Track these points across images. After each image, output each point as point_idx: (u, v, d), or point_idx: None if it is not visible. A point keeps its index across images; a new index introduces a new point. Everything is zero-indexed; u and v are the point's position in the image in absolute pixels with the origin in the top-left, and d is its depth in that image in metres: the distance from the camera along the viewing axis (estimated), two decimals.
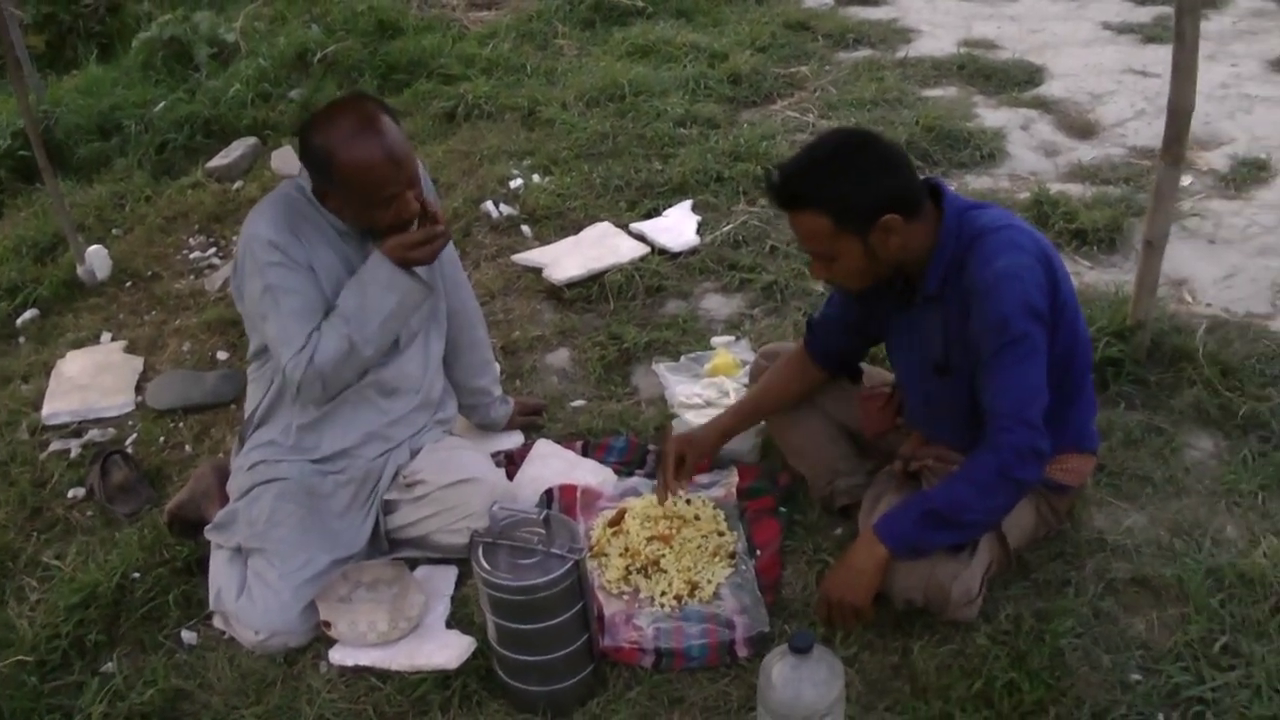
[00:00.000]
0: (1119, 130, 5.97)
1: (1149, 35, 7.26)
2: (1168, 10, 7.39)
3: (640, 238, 5.01)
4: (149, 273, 5.35)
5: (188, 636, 3.21)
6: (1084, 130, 6.02)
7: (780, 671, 2.50)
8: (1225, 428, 3.65)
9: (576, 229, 5.15)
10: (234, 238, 5.50)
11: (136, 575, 3.38)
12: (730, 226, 5.04)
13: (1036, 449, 2.74)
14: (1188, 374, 3.82)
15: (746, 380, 3.81)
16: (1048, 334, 2.77)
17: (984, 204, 2.95)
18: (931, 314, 2.90)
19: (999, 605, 2.99)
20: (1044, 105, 6.30)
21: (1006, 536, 2.97)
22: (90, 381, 4.46)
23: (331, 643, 3.10)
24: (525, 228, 5.25)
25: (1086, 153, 5.72)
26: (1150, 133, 5.72)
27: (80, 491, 3.88)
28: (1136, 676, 2.82)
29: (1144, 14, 7.70)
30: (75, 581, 3.37)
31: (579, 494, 3.50)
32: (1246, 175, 5.31)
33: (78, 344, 4.80)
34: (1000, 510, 2.84)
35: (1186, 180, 5.18)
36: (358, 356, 3.17)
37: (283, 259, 3.08)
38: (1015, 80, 6.63)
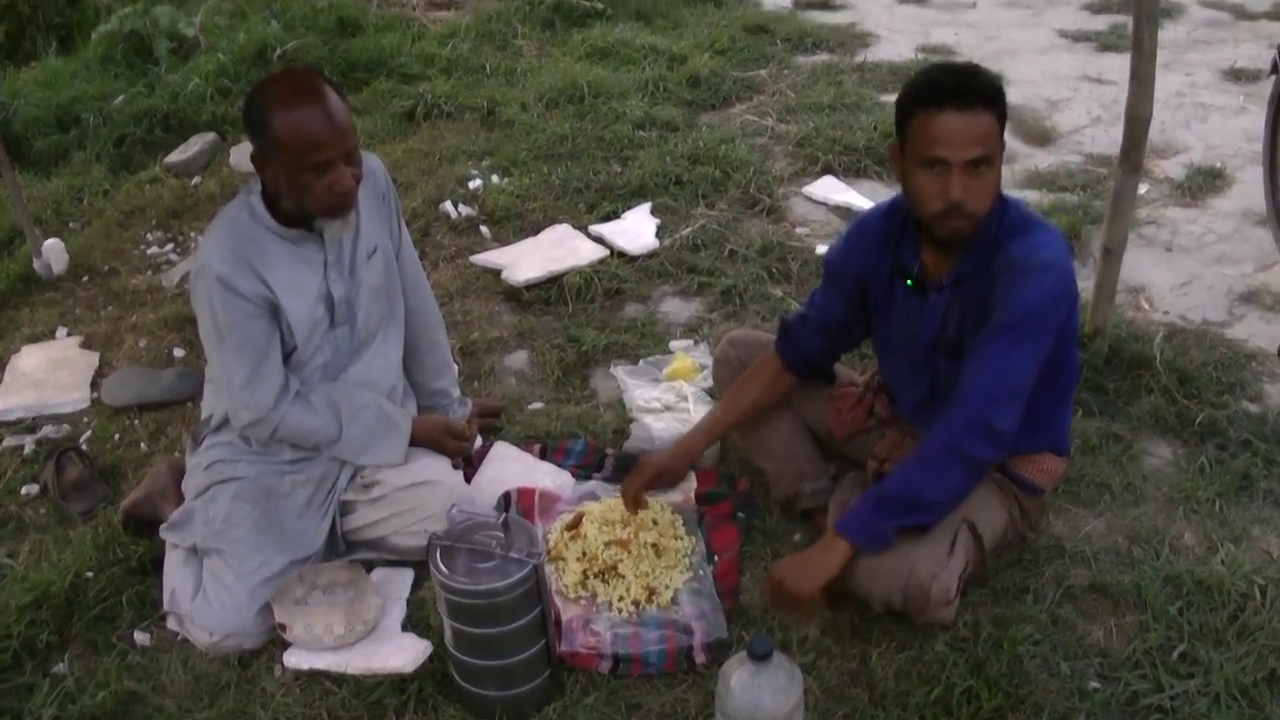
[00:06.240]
0: (1075, 138, 6.01)
1: (1105, 43, 7.34)
2: (1123, 19, 7.47)
3: (599, 240, 5.00)
4: (106, 268, 5.29)
5: (141, 638, 3.18)
6: (1041, 137, 6.06)
7: (739, 678, 2.50)
8: (1183, 435, 3.68)
9: (535, 230, 5.13)
10: (192, 234, 5.47)
11: (90, 575, 3.33)
12: (689, 230, 5.04)
13: (990, 426, 2.76)
14: (1145, 381, 3.86)
15: (706, 384, 3.81)
16: (1053, 337, 2.80)
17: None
18: (955, 294, 2.90)
19: (958, 612, 2.99)
20: None
21: (983, 537, 2.98)
22: (45, 377, 4.41)
23: (286, 645, 3.07)
24: (484, 229, 5.24)
25: (1043, 160, 5.76)
26: (1106, 140, 5.77)
27: (34, 489, 3.83)
28: (1095, 684, 2.84)
29: (1100, 22, 7.78)
30: (27, 580, 3.32)
31: (537, 497, 3.49)
32: (1202, 184, 5.36)
33: (33, 339, 4.74)
34: (953, 489, 2.84)
35: (1143, 188, 5.23)
36: (313, 443, 3.31)
37: (226, 295, 3.05)
38: None
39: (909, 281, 2.99)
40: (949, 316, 2.93)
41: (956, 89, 2.71)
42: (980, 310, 2.83)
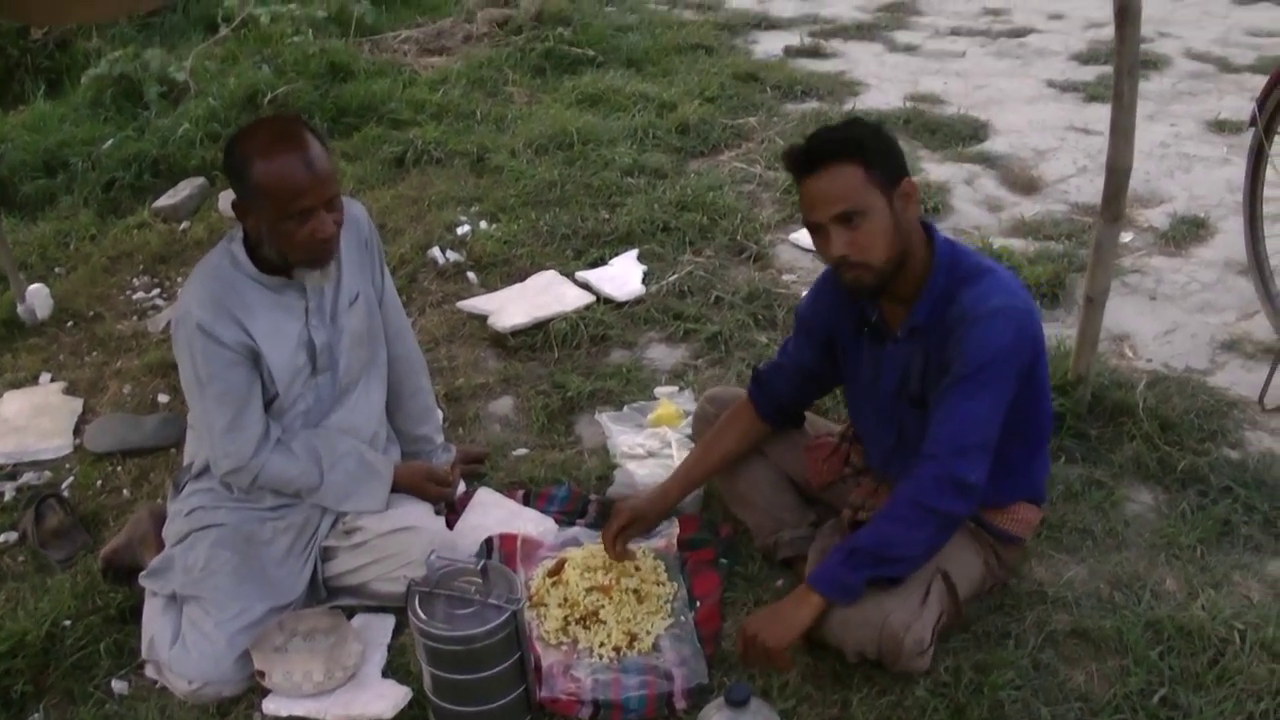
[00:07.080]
0: (1061, 187, 6.03)
1: (1092, 94, 7.36)
2: (1110, 70, 7.47)
3: (586, 286, 5.01)
4: (91, 313, 5.30)
5: (118, 686, 3.16)
6: (1027, 186, 6.08)
7: None
8: (1165, 481, 3.68)
9: (522, 276, 5.14)
10: (180, 279, 5.47)
11: (67, 623, 3.32)
12: (676, 276, 5.05)
13: (956, 479, 2.75)
14: (1128, 428, 3.86)
15: (689, 430, 3.81)
16: (1015, 383, 2.80)
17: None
18: (913, 346, 2.91)
19: (939, 657, 2.98)
20: (988, 160, 6.36)
21: (957, 587, 2.97)
22: (28, 423, 4.41)
23: (266, 693, 3.05)
24: (471, 274, 5.25)
25: (1029, 208, 5.78)
26: (1092, 189, 5.77)
27: (13, 536, 3.81)
28: None
29: (1087, 73, 7.82)
30: (3, 630, 3.29)
31: (519, 543, 3.48)
32: (1186, 233, 5.38)
33: (16, 385, 4.74)
34: (924, 543, 2.81)
35: (1128, 237, 5.25)
36: (294, 490, 3.31)
37: (207, 343, 3.05)
38: (960, 135, 6.70)
39: (866, 329, 3.01)
40: (910, 367, 2.94)
41: (802, 158, 2.80)
42: (940, 362, 2.84)
